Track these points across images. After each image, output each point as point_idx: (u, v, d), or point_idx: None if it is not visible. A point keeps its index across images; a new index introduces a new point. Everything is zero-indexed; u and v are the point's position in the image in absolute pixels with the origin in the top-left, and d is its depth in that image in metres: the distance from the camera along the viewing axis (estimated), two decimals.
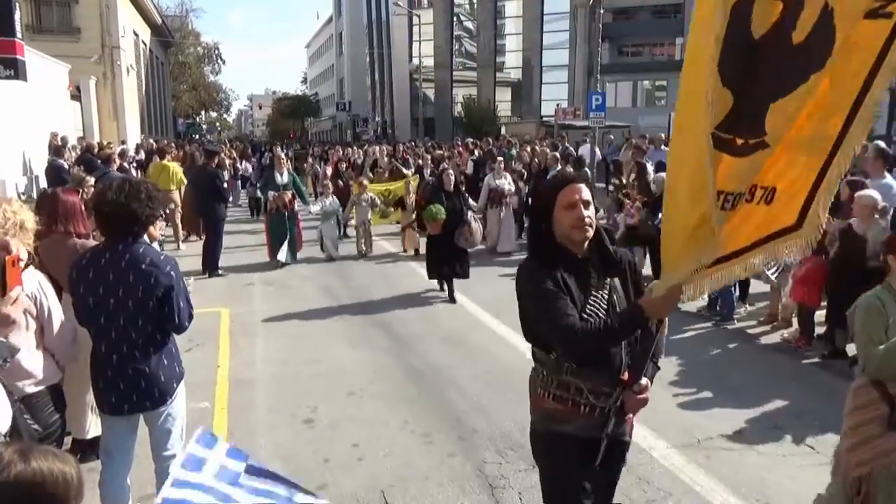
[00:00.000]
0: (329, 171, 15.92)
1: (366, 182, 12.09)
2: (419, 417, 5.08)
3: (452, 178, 8.59)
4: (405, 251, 11.80)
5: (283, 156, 11.16)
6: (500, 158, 12.87)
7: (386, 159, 17.16)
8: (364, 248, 11.57)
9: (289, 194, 10.46)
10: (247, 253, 11.78)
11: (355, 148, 22.57)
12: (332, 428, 4.91)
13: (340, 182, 14.13)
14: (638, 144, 13.95)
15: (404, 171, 14.60)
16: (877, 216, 5.90)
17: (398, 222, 12.44)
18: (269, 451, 4.56)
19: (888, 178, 6.68)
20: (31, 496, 1.19)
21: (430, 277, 8.78)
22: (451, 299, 8.52)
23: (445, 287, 8.73)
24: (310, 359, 6.44)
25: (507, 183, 11.78)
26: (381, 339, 7.04)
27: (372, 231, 11.81)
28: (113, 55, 26.10)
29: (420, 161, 16.20)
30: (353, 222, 11.94)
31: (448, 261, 8.45)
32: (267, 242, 10.79)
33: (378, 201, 11.71)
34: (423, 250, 10.18)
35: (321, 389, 5.65)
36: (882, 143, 7.25)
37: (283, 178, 10.51)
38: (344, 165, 15.76)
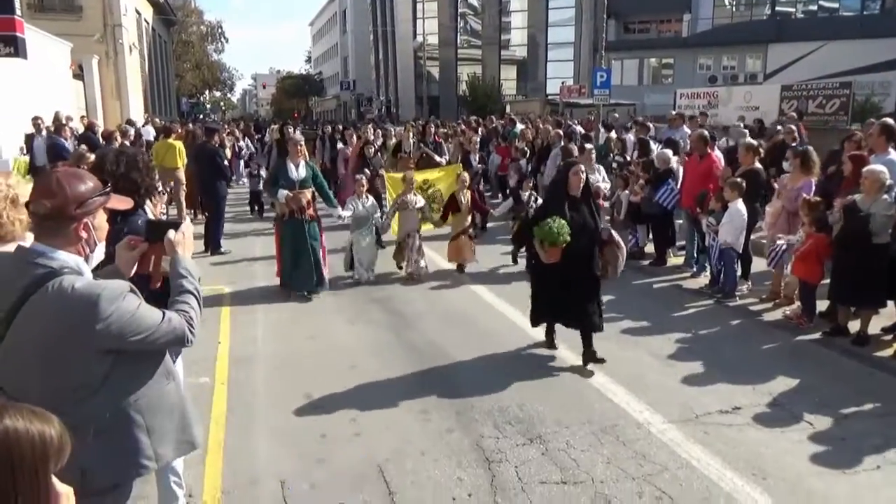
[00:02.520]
0: (350, 158, 12.69)
1: (414, 176, 8.90)
2: (417, 393, 5.09)
3: (583, 176, 5.39)
4: (460, 268, 8.76)
5: (299, 140, 7.81)
6: (588, 147, 10.50)
7: (411, 142, 14.37)
8: (411, 269, 8.42)
9: (308, 193, 7.54)
10: (248, 230, 11.77)
11: (371, 128, 19.24)
12: (330, 403, 4.92)
13: (368, 172, 10.55)
14: (642, 122, 13.83)
15: (436, 157, 12.33)
16: (883, 193, 5.83)
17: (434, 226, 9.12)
18: (267, 425, 4.58)
19: (892, 154, 6.59)
20: (2, 457, 1.15)
21: (536, 324, 5.90)
22: (587, 365, 5.49)
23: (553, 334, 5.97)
24: (309, 336, 6.45)
25: (601, 179, 9.67)
26: (381, 315, 7.04)
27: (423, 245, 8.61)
28: (115, 34, 25.95)
29: (461, 141, 14.07)
30: (393, 226, 8.67)
31: (569, 301, 5.43)
32: (277, 261, 7.84)
33: (426, 206, 8.74)
34: (477, 266, 8.79)
35: (320, 366, 5.66)
36: (889, 120, 7.14)
37: (298, 170, 7.45)
38: (372, 150, 11.98)
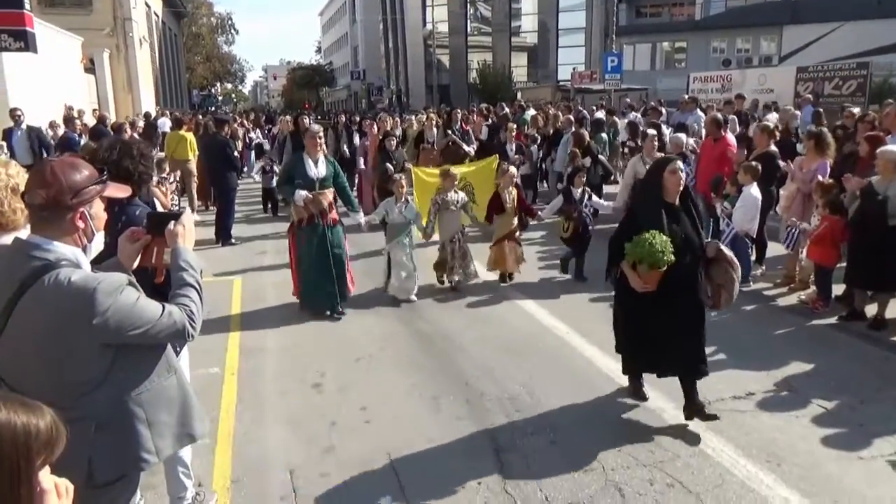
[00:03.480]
0: (370, 152, 11.25)
1: (455, 171, 7.76)
2: (427, 382, 5.07)
3: (682, 175, 4.15)
4: (507, 278, 7.62)
5: (318, 131, 6.61)
6: (651, 133, 9.13)
7: (435, 130, 12.63)
8: (458, 277, 7.32)
9: (329, 195, 6.51)
10: (260, 222, 11.79)
11: (391, 117, 16.85)
12: (340, 392, 4.92)
13: (390, 167, 9.13)
14: (654, 107, 13.68)
15: (465, 147, 11.34)
16: None
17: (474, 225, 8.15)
18: (276, 414, 4.58)
19: None
20: None
21: (631, 373, 4.72)
22: (691, 421, 4.30)
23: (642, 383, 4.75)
24: (319, 325, 6.44)
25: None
26: (390, 304, 7.02)
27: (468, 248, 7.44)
28: (125, 27, 26.05)
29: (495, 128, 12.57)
30: (435, 236, 7.39)
31: (667, 340, 4.24)
32: (293, 275, 6.70)
33: (468, 203, 7.63)
34: (527, 275, 7.73)
35: (330, 355, 5.65)
36: None
37: (318, 167, 6.39)
38: (393, 142, 9.98)
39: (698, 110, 12.92)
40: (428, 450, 4.08)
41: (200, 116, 20.73)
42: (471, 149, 11.47)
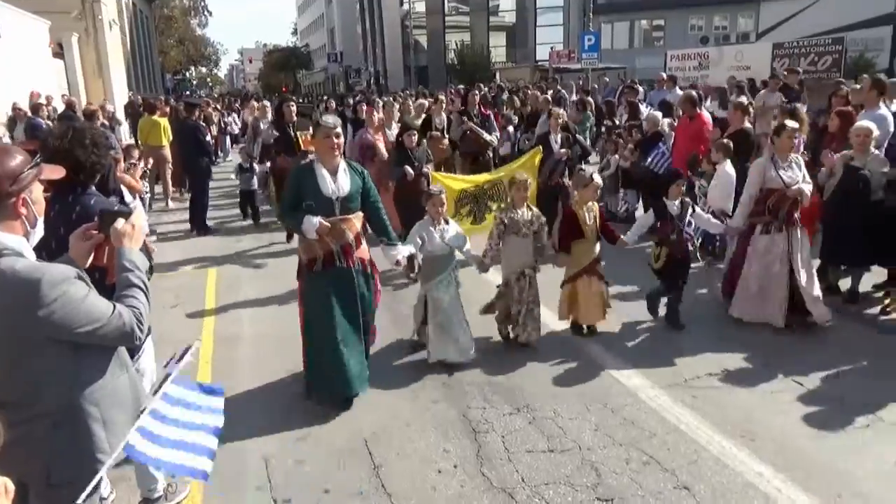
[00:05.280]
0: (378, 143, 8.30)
1: (525, 178, 5.31)
2: (405, 369, 5.02)
3: None
4: (579, 329, 5.52)
5: (333, 126, 4.22)
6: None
7: (444, 115, 10.41)
8: (530, 333, 5.21)
9: (356, 221, 4.40)
10: (237, 250, 11.61)
11: (385, 99, 14.66)
12: None
13: (410, 171, 6.97)
14: (631, 85, 13.65)
15: (485, 136, 9.23)
16: (874, 149, 5.73)
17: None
18: (251, 402, 4.53)
19: (883, 109, 6.49)
20: None
21: None
22: None
23: None
24: (295, 314, 6.35)
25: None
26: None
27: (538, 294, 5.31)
28: (94, 10, 25.36)
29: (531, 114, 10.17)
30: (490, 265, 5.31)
31: None
32: (303, 343, 4.57)
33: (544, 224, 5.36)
34: (609, 324, 5.53)
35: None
36: (881, 76, 7.02)
37: (337, 181, 4.28)
38: (415, 138, 7.21)
39: (677, 88, 12.91)
40: (404, 434, 4.06)
41: (173, 101, 20.32)
42: (493, 138, 9.52)
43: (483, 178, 7.29)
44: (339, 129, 4.23)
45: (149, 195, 10.93)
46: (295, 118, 8.79)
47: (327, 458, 3.83)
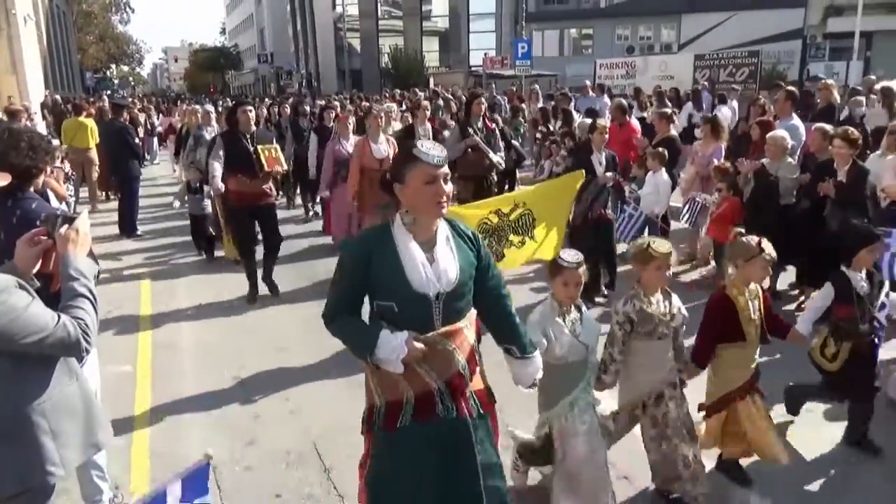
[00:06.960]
0: (358, 166, 6.67)
1: (667, 251, 3.31)
2: (350, 367, 5.03)
3: None
4: (737, 473, 3.67)
5: (445, 169, 2.28)
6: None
7: (428, 126, 8.99)
8: (695, 487, 3.28)
9: (468, 333, 2.47)
10: (167, 211, 11.29)
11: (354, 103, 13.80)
12: (261, 384, 4.84)
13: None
14: (564, 92, 14.08)
15: (491, 156, 7.23)
16: (787, 157, 6.17)
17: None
18: (195, 410, 4.46)
19: (795, 120, 6.97)
20: None
21: None
22: None
23: None
24: (237, 317, 6.29)
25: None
26: (311, 292, 6.92)
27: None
28: (7, 4, 24.05)
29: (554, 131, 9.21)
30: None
31: None
32: None
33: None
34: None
35: (250, 347, 5.54)
36: (793, 88, 7.54)
37: (437, 261, 2.32)
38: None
39: (605, 97, 13.42)
40: (353, 435, 4.08)
41: (100, 102, 19.47)
42: (499, 157, 7.38)
43: (508, 202, 5.07)
44: (447, 169, 2.31)
45: (74, 199, 10.47)
46: (254, 127, 6.58)
47: (277, 462, 3.83)
